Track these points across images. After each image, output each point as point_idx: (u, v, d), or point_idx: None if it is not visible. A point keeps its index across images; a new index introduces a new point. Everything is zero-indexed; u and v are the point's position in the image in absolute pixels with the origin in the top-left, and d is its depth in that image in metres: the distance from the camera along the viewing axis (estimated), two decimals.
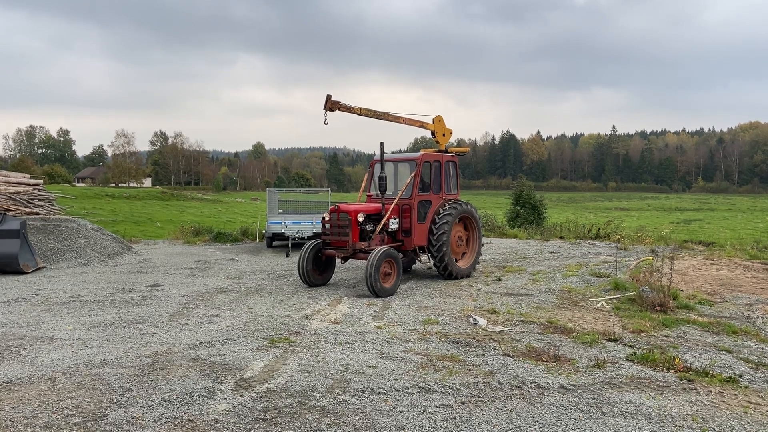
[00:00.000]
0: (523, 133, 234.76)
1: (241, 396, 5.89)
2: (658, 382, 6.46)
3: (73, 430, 5.09)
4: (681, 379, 6.55)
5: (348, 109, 12.48)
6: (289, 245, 18.54)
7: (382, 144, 12.33)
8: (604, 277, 13.19)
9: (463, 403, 5.80)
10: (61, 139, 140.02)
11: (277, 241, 20.04)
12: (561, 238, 23.66)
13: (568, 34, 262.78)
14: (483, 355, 7.43)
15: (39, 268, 14.46)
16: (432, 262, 12.99)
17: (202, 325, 8.90)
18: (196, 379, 6.36)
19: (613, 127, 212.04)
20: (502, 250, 19.00)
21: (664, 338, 8.37)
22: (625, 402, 5.86)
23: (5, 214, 15.38)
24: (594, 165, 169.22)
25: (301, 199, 23.21)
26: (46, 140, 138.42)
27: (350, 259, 12.55)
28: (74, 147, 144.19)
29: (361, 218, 11.86)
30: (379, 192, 12.25)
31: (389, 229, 12.47)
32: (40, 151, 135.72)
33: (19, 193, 24.09)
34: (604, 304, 10.51)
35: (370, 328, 8.70)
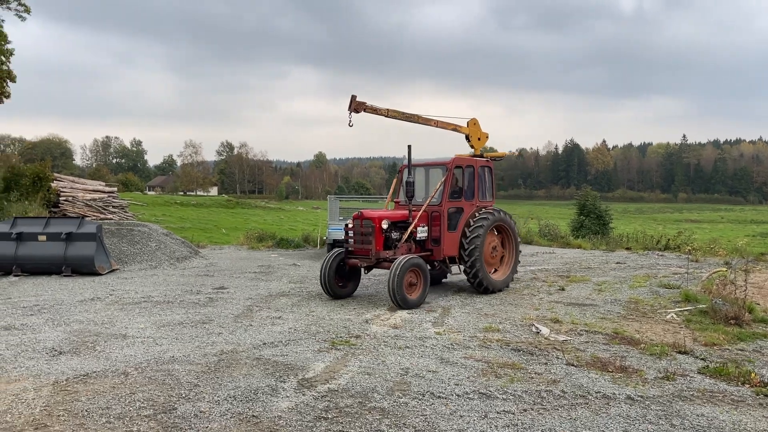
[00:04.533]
0: (585, 142, 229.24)
1: (303, 395, 5.99)
2: (732, 396, 6.17)
3: (145, 422, 5.30)
4: (757, 394, 6.23)
5: (375, 110, 11.84)
6: None
7: (409, 147, 11.67)
8: (674, 289, 12.69)
9: (525, 410, 5.70)
10: (134, 149, 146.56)
11: (337, 247, 20.23)
12: (628, 248, 22.93)
13: (615, 42, 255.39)
14: (546, 363, 7.28)
15: (113, 270, 15.15)
16: (463, 273, 12.14)
17: (266, 326, 9.11)
18: (260, 378, 6.51)
19: (684, 135, 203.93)
20: (565, 260, 18.58)
21: (739, 352, 7.99)
22: (697, 415, 5.62)
23: (83, 218, 16.21)
24: (663, 175, 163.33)
25: (361, 207, 23.40)
26: (120, 150, 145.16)
27: (375, 269, 11.77)
28: (146, 157, 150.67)
29: (385, 225, 11.18)
30: (406, 198, 11.54)
31: (417, 238, 11.66)
32: (114, 160, 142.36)
33: (95, 200, 25.37)
34: (674, 315, 10.11)
35: (429, 334, 8.68)
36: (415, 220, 11.47)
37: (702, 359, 7.56)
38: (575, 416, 5.56)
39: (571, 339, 8.48)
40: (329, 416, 5.45)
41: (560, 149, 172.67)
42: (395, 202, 12.87)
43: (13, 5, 28.65)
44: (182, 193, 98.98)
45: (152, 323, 9.26)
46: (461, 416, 5.51)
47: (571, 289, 12.87)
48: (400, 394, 6.05)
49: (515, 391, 6.20)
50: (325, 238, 21.72)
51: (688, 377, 6.79)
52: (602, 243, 24.28)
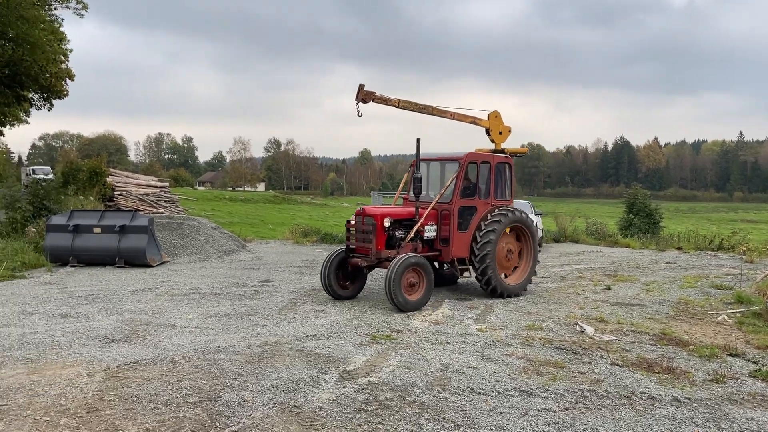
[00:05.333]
0: (636, 139, 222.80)
1: (344, 387, 6.07)
2: None
3: (191, 408, 5.47)
4: None
5: (384, 100, 11.20)
6: None
7: (418, 141, 10.89)
8: (726, 290, 12.28)
9: (566, 408, 5.64)
10: (185, 145, 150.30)
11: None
12: (679, 248, 22.28)
13: (667, 37, 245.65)
14: (589, 363, 7.17)
15: (163, 262, 15.60)
16: (475, 277, 11.39)
17: (309, 319, 9.25)
18: (303, 369, 6.62)
19: (740, 132, 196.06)
20: (612, 259, 18.19)
21: None
22: (747, 419, 5.45)
23: (136, 212, 16.74)
24: (718, 173, 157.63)
25: None
26: (172, 146, 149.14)
27: (376, 269, 11.10)
28: (196, 153, 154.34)
29: (387, 223, 10.55)
30: (413, 195, 10.80)
31: (425, 237, 10.96)
32: (166, 156, 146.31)
33: (148, 194, 26.17)
34: (726, 317, 9.79)
35: (471, 331, 8.65)
36: (422, 219, 10.79)
37: (754, 362, 7.32)
38: (618, 416, 5.47)
39: (617, 339, 8.32)
40: (369, 409, 5.51)
41: (610, 146, 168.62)
42: (404, 199, 12.21)
43: (72, 3, 29.82)
44: (231, 188, 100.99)
45: (200, 314, 9.52)
46: (501, 413, 5.49)
47: (617, 288, 12.60)
48: (440, 389, 6.06)
49: (557, 389, 6.13)
50: None
51: (739, 380, 6.58)
52: (652, 242, 23.65)
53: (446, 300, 11.04)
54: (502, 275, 11.44)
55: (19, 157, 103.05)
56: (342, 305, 10.39)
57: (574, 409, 5.63)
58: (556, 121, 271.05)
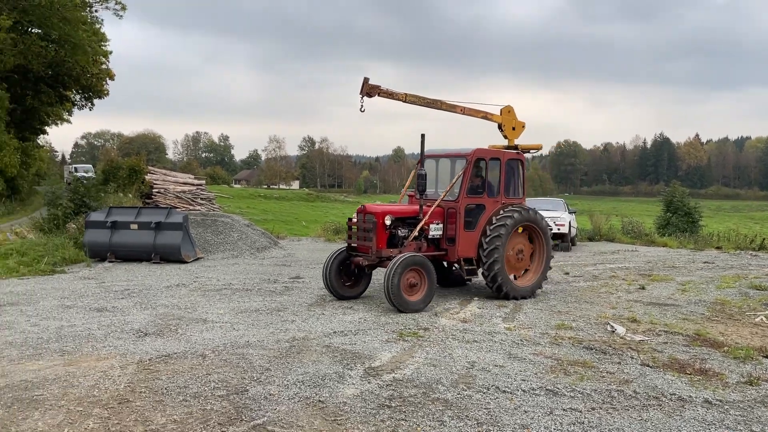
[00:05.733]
0: (676, 136, 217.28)
1: (369, 383, 6.11)
2: None
3: (218, 401, 5.58)
4: None
5: (390, 94, 10.88)
6: None
7: (423, 136, 10.63)
8: (765, 291, 11.93)
9: (593, 408, 5.57)
10: (222, 143, 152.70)
11: None
12: (718, 248, 21.70)
13: (709, 32, 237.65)
14: (619, 363, 7.06)
15: (198, 258, 15.90)
16: (482, 276, 10.96)
17: (337, 315, 9.32)
18: (328, 364, 6.69)
19: None
20: (648, 258, 17.83)
21: None
22: None
23: (171, 209, 17.09)
24: (763, 171, 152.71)
25: None
26: (209, 145, 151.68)
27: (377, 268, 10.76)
28: (233, 151, 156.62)
29: (388, 221, 10.23)
30: (417, 192, 10.41)
31: (430, 236, 10.63)
32: (203, 154, 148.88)
33: (185, 192, 26.68)
34: (764, 318, 9.51)
35: (499, 329, 8.60)
36: (426, 217, 10.41)
37: None
38: (646, 417, 5.38)
39: (649, 339, 8.17)
40: (392, 405, 5.53)
41: (649, 143, 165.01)
42: (410, 196, 11.74)
43: (111, 4, 30.66)
44: (266, 186, 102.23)
45: (231, 309, 9.68)
46: (525, 411, 5.46)
47: (652, 288, 12.36)
48: (465, 387, 6.05)
49: (584, 389, 6.06)
50: None
51: None
52: (690, 242, 23.10)
53: (475, 298, 11.00)
54: (512, 276, 11.04)
55: (63, 156, 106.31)
56: (370, 303, 10.43)
57: (601, 409, 5.56)
58: (592, 117, 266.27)
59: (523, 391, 5.99)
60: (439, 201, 10.65)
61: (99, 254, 15.48)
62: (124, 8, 31.31)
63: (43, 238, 16.37)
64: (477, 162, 10.83)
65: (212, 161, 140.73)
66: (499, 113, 12.07)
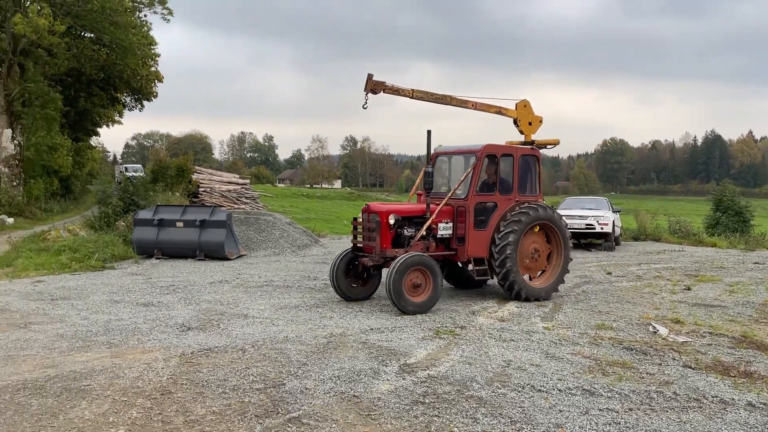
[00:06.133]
0: (728, 133, 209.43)
1: (404, 379, 6.16)
2: None
3: (256, 394, 5.72)
4: None
5: (396, 90, 10.65)
6: None
7: (429, 132, 10.30)
8: None
9: (630, 409, 5.49)
10: (266, 144, 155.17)
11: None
12: None
13: (760, 26, 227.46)
14: (660, 364, 6.92)
15: (240, 256, 16.24)
16: (496, 278, 10.54)
17: (375, 312, 9.40)
18: (364, 360, 6.76)
19: None
20: (695, 259, 17.34)
21: None
22: None
23: (215, 207, 17.50)
24: None
25: None
26: (253, 145, 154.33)
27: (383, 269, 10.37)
28: (277, 151, 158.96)
29: (392, 220, 9.91)
30: (424, 190, 10.15)
31: (439, 235, 10.28)
32: (248, 154, 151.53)
33: (230, 191, 27.27)
34: None
35: (537, 329, 8.53)
36: (433, 215, 10.09)
37: None
38: (685, 419, 5.27)
39: (692, 341, 7.97)
40: (426, 401, 5.57)
41: (699, 141, 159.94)
42: (418, 194, 11.36)
43: (159, 9, 31.59)
44: (308, 185, 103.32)
45: (271, 305, 9.87)
46: (560, 411, 5.41)
47: (698, 289, 12.03)
48: (499, 385, 6.04)
49: (622, 389, 5.97)
50: None
51: None
52: (740, 242, 22.35)
53: None
54: (526, 277, 10.68)
55: (114, 156, 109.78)
56: None
57: (639, 410, 5.47)
58: (639, 115, 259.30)
59: (559, 390, 5.94)
60: (446, 199, 10.35)
61: (146, 251, 15.96)
62: (171, 13, 32.20)
63: (94, 235, 16.98)
64: (487, 158, 10.48)
65: (257, 161, 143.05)
66: (514, 108, 11.74)
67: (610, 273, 14.10)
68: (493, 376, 6.30)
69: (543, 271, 10.94)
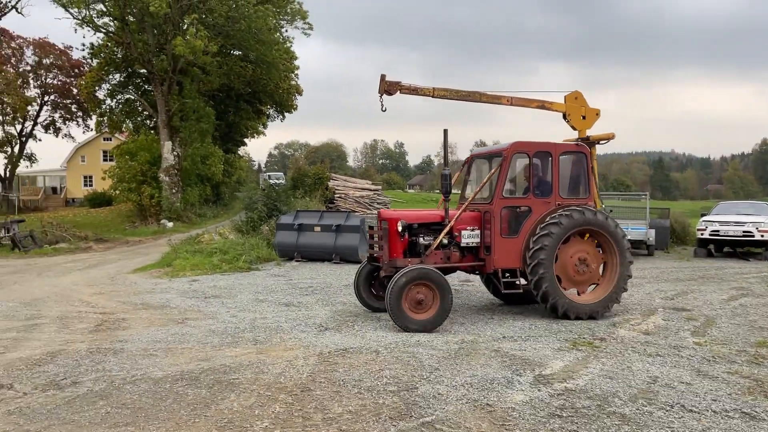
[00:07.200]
0: None
1: (539, 390, 5.97)
2: None
3: (389, 396, 5.81)
4: None
5: (414, 90, 10.03)
6: None
7: (445, 131, 9.43)
8: None
9: None
10: (397, 150, 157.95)
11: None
12: None
13: None
14: None
15: None
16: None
17: (507, 320, 9.22)
18: (497, 369, 6.65)
19: None
20: None
21: None
22: None
23: (350, 212, 18.11)
24: None
25: (617, 205, 22.08)
26: (385, 152, 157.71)
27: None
28: (407, 157, 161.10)
29: (400, 227, 9.03)
30: (442, 195, 9.34)
31: (463, 243, 9.35)
32: (380, 161, 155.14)
33: (363, 197, 28.14)
34: None
35: (687, 344, 7.89)
36: (452, 222, 9.20)
37: None
38: None
39: None
40: (563, 415, 5.35)
41: None
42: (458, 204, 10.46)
43: (299, 24, 33.40)
44: (438, 191, 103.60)
45: None
46: None
47: None
48: (645, 402, 5.66)
49: None
50: None
51: None
52: None
53: (660, 309, 10.21)
54: (573, 291, 9.51)
55: (259, 165, 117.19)
56: (540, 309, 10.12)
57: None
58: None
59: (714, 411, 5.45)
60: (466, 204, 9.54)
61: (287, 254, 16.89)
62: (311, 27, 33.85)
63: (241, 238, 18.28)
64: (516, 158, 9.60)
65: (388, 167, 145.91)
66: (562, 101, 10.74)
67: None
68: (637, 393, 5.92)
69: (597, 285, 9.66)
